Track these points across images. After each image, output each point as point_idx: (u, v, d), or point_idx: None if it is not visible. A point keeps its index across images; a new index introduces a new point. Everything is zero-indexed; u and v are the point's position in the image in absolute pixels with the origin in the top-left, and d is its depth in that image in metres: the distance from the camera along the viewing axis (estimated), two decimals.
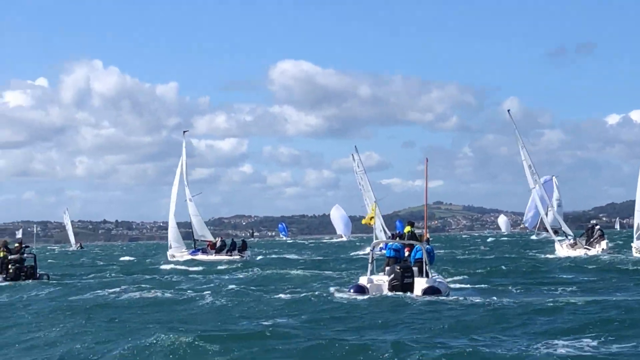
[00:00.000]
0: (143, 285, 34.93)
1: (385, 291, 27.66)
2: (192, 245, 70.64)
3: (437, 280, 28.72)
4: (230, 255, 63.55)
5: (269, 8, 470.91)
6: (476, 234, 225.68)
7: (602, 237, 58.23)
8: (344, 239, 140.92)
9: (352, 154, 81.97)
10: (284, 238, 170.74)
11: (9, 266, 40.76)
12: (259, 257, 67.74)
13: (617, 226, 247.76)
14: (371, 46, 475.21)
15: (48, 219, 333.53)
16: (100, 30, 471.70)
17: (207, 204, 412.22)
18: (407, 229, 33.45)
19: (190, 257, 65.62)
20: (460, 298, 26.86)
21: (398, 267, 27.83)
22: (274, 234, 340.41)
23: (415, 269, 28.28)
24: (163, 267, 55.85)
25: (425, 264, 28.14)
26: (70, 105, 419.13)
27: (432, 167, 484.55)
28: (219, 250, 65.58)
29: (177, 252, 68.42)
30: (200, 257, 64.95)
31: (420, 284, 27.51)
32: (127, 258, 77.70)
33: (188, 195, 71.29)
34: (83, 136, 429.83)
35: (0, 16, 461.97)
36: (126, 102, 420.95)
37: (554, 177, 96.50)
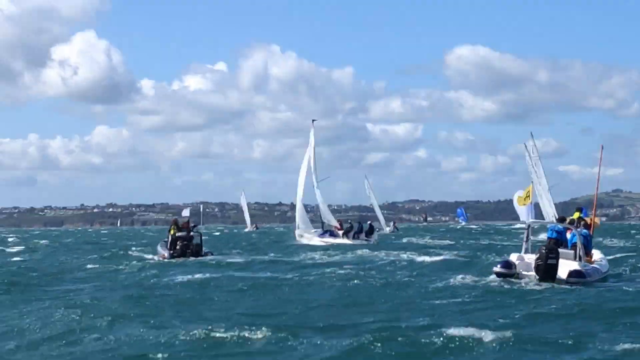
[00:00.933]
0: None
1: (532, 270, 27.58)
2: (321, 227, 71.50)
3: (593, 265, 28.56)
4: (357, 239, 63.84)
5: None
6: None
7: None
8: (523, 225, 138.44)
9: (525, 143, 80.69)
10: (462, 223, 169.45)
11: (177, 243, 42.66)
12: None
13: None
14: (549, 30, 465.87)
15: (225, 200, 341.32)
16: (279, 15, 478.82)
17: (382, 188, 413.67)
18: (576, 215, 32.95)
19: (318, 239, 66.43)
20: (611, 286, 26.27)
21: (544, 248, 27.49)
22: (447, 219, 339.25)
23: (571, 252, 28.08)
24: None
25: (578, 249, 27.89)
26: (248, 89, 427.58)
27: (612, 155, 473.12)
28: (346, 233, 65.80)
29: (306, 233, 69.77)
30: (327, 239, 65.52)
31: (567, 266, 27.23)
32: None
33: (314, 182, 72.57)
34: (260, 120, 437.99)
35: (181, 0, 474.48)
36: (303, 86, 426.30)
37: None
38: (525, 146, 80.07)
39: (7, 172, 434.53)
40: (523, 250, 29.09)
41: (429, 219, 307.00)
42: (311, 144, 74.33)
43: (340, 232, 66.63)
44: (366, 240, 63.86)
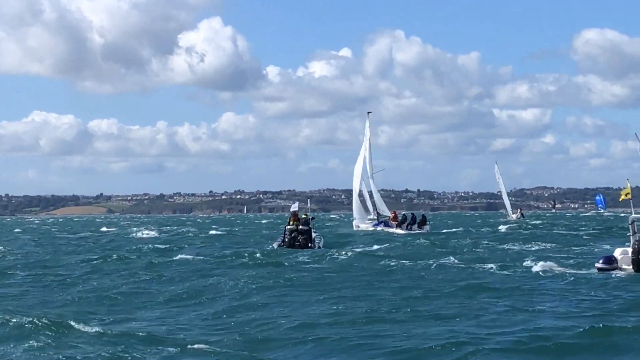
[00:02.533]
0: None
1: (630, 265, 27.31)
2: (376, 218, 72.67)
3: None
4: (410, 229, 64.44)
5: None
6: None
7: None
8: None
9: (637, 135, 78.85)
10: (602, 211, 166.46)
11: (292, 235, 43.90)
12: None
13: None
14: None
15: (351, 187, 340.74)
16: (403, 0, 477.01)
17: (509, 175, 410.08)
18: None
19: (373, 228, 67.93)
20: None
21: (637, 242, 27.25)
22: (577, 205, 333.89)
23: None
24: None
25: None
26: (373, 75, 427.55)
27: None
28: (400, 224, 66.49)
29: (361, 224, 71.04)
30: (382, 228, 66.90)
31: None
32: None
33: (369, 172, 73.35)
34: (385, 106, 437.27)
35: None
36: (428, 72, 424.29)
37: None
38: (637, 135, 78.18)
39: (137, 159, 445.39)
40: (630, 244, 28.55)
41: (558, 205, 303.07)
42: (367, 135, 75.42)
43: (394, 223, 67.26)
44: (419, 229, 64.49)
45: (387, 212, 71.67)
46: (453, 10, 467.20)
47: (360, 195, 74.07)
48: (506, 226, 77.86)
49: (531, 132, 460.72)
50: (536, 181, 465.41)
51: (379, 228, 67.96)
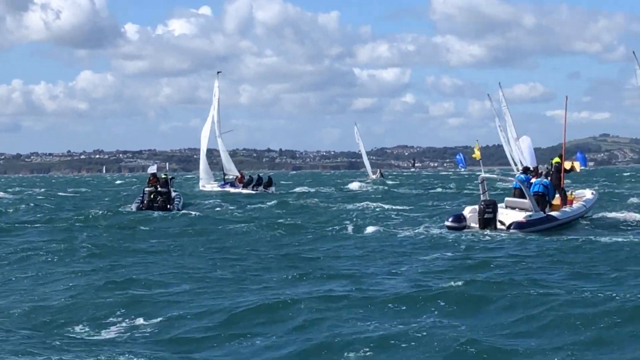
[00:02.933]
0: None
1: (477, 224, 28.40)
2: (222, 178, 73.53)
3: (553, 213, 29.51)
4: (256, 190, 65.38)
5: None
6: None
7: None
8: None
9: (489, 96, 79.45)
10: (462, 170, 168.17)
11: (151, 196, 42.53)
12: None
13: None
14: None
15: (214, 146, 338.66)
16: None
17: (370, 134, 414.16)
18: (555, 159, 33.86)
19: (219, 189, 68.67)
20: (561, 237, 25.55)
21: (482, 202, 28.54)
22: (436, 164, 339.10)
23: (527, 202, 28.93)
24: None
25: (528, 196, 28.97)
26: (234, 33, 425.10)
27: (599, 99, 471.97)
28: (246, 185, 67.70)
29: (207, 184, 71.93)
30: (228, 189, 67.51)
31: (511, 217, 28.14)
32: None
33: (217, 132, 73.36)
34: (246, 65, 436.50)
35: None
36: (289, 31, 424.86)
37: None
38: (489, 96, 79.14)
39: None
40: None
41: (418, 164, 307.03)
42: (215, 94, 75.27)
43: (241, 184, 68.56)
44: (264, 191, 65.37)
45: (235, 173, 71.65)
46: None
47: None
48: (359, 185, 77.26)
49: (391, 92, 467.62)
50: (397, 140, 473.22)
51: (225, 188, 68.27)
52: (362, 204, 44.15)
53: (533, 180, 30.67)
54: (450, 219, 29.11)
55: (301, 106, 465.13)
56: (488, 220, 28.03)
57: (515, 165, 73.93)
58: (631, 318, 12.77)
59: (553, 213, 29.68)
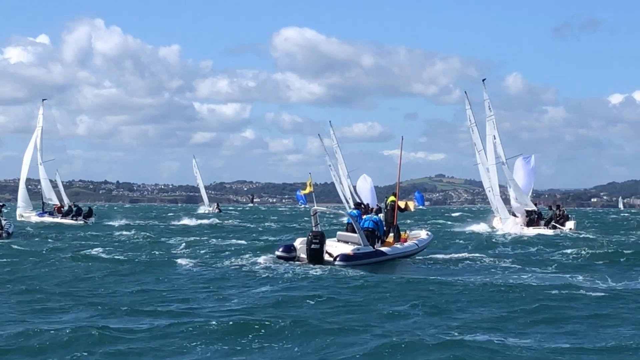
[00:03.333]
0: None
1: (304, 253, 29.05)
2: (41, 207, 73.01)
3: (383, 248, 30.48)
4: (76, 220, 65.23)
5: None
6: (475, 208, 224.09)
7: (567, 218, 57.35)
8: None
9: (319, 136, 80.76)
10: (302, 206, 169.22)
11: None
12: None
13: (620, 205, 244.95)
14: (375, 16, 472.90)
15: (51, 177, 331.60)
16: None
17: (210, 168, 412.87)
18: (391, 198, 34.95)
19: (38, 218, 68.24)
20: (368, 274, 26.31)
21: (310, 233, 29.10)
22: (275, 200, 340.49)
23: (356, 235, 29.67)
24: None
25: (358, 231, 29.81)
26: (72, 63, 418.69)
27: (435, 140, 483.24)
28: (65, 214, 67.40)
29: (25, 212, 70.98)
30: (46, 218, 67.36)
31: (339, 249, 28.97)
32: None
33: (39, 160, 73.30)
34: (84, 95, 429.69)
35: None
36: (128, 63, 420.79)
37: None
38: (319, 136, 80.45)
39: None
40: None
41: (257, 200, 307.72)
42: (39, 122, 74.55)
43: (59, 214, 68.23)
44: (84, 221, 65.12)
45: (56, 201, 70.80)
46: (154, 2, 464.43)
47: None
48: (190, 219, 75.64)
49: (231, 127, 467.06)
50: (236, 175, 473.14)
51: (43, 218, 67.76)
52: (191, 238, 44.26)
53: (364, 216, 31.57)
54: (280, 249, 29.67)
55: (140, 138, 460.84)
56: (314, 251, 28.52)
57: (347, 202, 75.37)
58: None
59: (382, 248, 30.45)
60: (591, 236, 49.86)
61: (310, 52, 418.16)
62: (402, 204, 35.70)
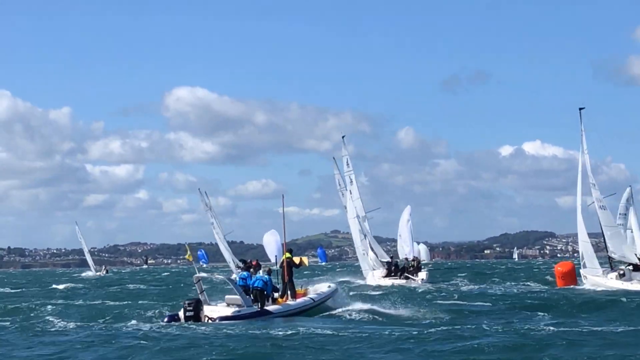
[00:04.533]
0: None
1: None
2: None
3: (271, 307, 31.40)
4: None
5: (164, 32, 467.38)
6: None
7: (420, 269, 62.20)
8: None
9: (207, 208, 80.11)
10: (204, 265, 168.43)
11: None
12: None
13: (516, 256, 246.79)
14: (267, 73, 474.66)
15: None
16: None
17: (103, 231, 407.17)
18: (286, 255, 35.30)
19: None
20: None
21: (184, 302, 30.68)
22: (169, 261, 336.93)
23: (238, 297, 30.88)
24: None
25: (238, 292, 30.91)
26: None
27: (329, 196, 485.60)
28: None
29: None
30: None
31: (217, 313, 30.01)
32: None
33: None
34: None
35: None
36: (18, 126, 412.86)
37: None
38: (207, 204, 79.75)
39: None
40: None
41: (151, 261, 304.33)
42: None
43: None
44: None
45: None
46: (44, 64, 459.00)
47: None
48: (63, 285, 73.57)
49: (125, 188, 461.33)
50: (130, 237, 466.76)
51: None
52: (67, 301, 43.30)
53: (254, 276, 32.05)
54: (165, 320, 30.31)
55: (30, 202, 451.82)
56: (190, 318, 29.44)
57: (234, 262, 75.33)
58: None
59: (270, 307, 31.24)
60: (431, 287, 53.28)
61: (203, 111, 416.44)
62: (296, 259, 36.04)
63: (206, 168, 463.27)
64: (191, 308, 29.53)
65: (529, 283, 59.07)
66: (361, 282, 61.45)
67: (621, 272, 50.42)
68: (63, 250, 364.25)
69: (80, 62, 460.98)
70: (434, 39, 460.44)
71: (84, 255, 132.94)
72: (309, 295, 33.94)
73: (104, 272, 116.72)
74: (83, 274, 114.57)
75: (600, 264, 52.35)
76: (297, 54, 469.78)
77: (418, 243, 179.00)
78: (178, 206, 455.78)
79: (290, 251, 35.68)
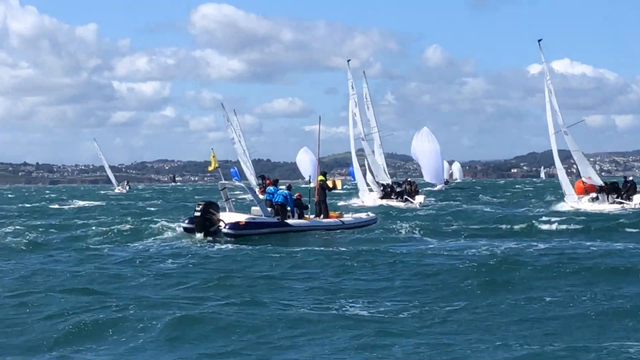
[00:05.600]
0: None
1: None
2: None
3: (273, 218, 31.65)
4: None
5: None
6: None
7: (417, 192, 62.97)
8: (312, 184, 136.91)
9: (228, 123, 79.13)
10: (236, 183, 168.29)
11: None
12: None
13: (543, 175, 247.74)
14: None
15: None
16: None
17: (130, 148, 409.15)
18: (320, 177, 36.10)
19: None
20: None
21: (202, 202, 30.53)
22: (197, 178, 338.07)
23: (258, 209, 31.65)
24: None
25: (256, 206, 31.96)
26: None
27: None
28: None
29: None
30: None
31: (233, 218, 30.16)
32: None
33: None
34: (0, 76, 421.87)
35: None
36: (45, 43, 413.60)
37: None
38: (228, 119, 79.37)
39: None
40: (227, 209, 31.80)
41: (179, 179, 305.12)
42: None
43: None
44: None
45: None
46: None
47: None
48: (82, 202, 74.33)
49: (151, 105, 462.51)
50: (157, 154, 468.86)
51: None
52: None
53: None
54: (186, 221, 30.69)
55: (58, 119, 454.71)
56: (198, 218, 29.47)
57: (255, 179, 75.85)
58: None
59: (290, 221, 31.85)
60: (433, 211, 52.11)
61: (229, 28, 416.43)
62: (330, 183, 36.55)
63: (232, 86, 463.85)
64: (199, 209, 29.58)
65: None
66: (359, 202, 62.38)
67: (594, 195, 52.21)
68: (91, 167, 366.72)
69: None
70: None
71: (114, 172, 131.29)
72: (339, 219, 34.19)
73: (127, 188, 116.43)
74: (102, 192, 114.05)
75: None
76: None
77: (450, 163, 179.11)
78: (204, 124, 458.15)
79: (324, 174, 36.62)
